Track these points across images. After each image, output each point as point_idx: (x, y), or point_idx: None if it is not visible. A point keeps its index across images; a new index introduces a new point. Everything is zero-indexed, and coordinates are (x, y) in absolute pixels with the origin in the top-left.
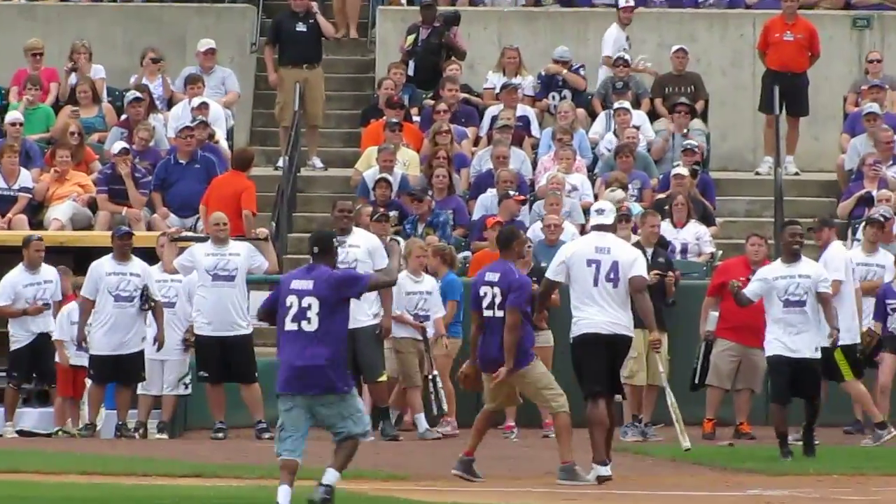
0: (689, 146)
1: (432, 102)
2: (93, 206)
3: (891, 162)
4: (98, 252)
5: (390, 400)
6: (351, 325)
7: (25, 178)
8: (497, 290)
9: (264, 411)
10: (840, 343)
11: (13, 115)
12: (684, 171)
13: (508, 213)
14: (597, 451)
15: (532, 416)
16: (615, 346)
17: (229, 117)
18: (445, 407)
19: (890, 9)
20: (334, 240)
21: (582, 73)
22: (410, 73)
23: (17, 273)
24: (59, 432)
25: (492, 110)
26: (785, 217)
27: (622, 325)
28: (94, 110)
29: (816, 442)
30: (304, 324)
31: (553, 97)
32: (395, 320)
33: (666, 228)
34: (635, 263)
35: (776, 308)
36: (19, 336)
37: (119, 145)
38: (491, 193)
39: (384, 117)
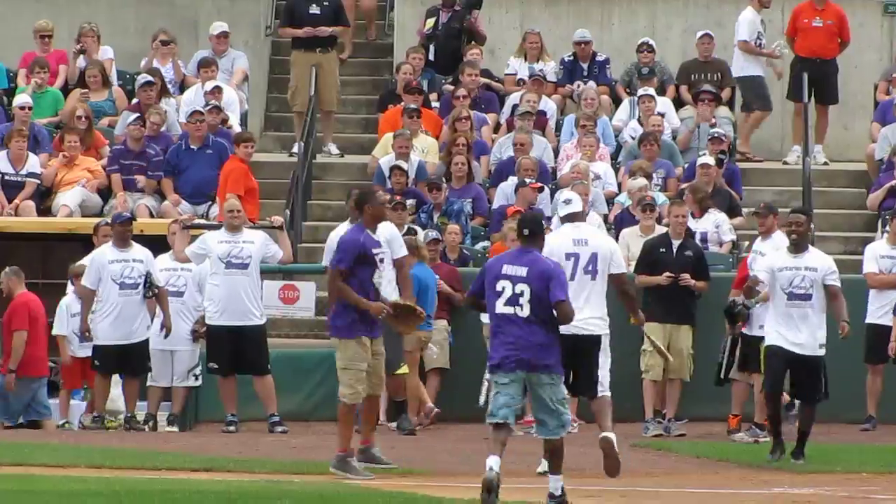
0: (715, 134)
1: (452, 88)
2: (103, 192)
3: None
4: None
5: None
6: None
7: (34, 163)
8: (525, 286)
9: (277, 404)
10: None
11: (22, 99)
12: (710, 160)
13: (525, 202)
14: None
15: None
16: (586, 345)
17: (243, 101)
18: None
19: None
20: (543, 222)
21: (608, 66)
22: (430, 57)
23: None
24: (66, 424)
25: (513, 97)
26: (814, 208)
27: (592, 324)
28: (104, 94)
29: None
30: (517, 309)
31: (577, 85)
32: None
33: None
34: (613, 257)
35: (779, 300)
36: None
37: (133, 115)
38: (512, 182)
39: (402, 103)
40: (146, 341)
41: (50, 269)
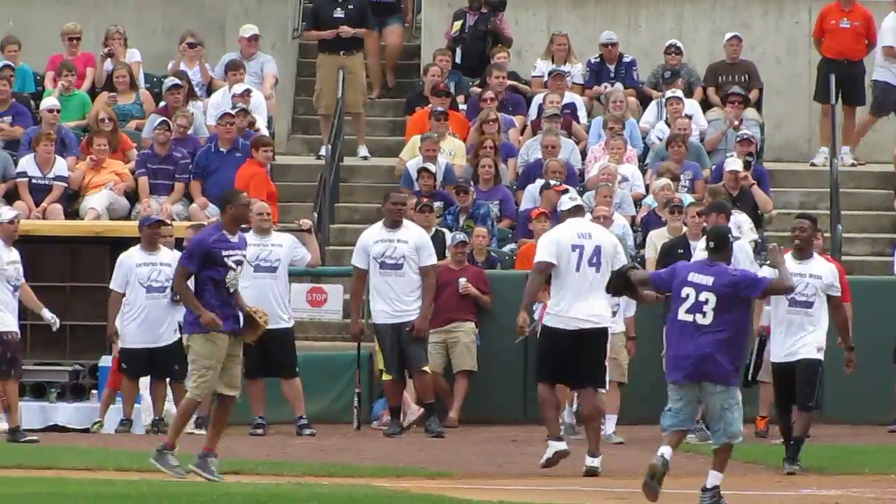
0: (744, 136)
1: (479, 90)
2: (130, 195)
3: None
4: (134, 242)
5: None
6: (399, 319)
7: (61, 166)
8: (710, 295)
9: (305, 406)
10: None
11: (49, 102)
12: (738, 166)
13: (549, 204)
14: (550, 426)
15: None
16: (588, 340)
17: (272, 105)
18: None
19: None
20: (729, 235)
21: (635, 68)
22: (457, 60)
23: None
24: (97, 426)
25: (539, 98)
26: (841, 209)
27: (598, 316)
28: (131, 97)
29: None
30: (698, 316)
31: (604, 86)
32: None
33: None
34: (617, 250)
35: (781, 308)
36: None
37: (158, 119)
38: (539, 184)
39: (429, 105)
40: (174, 344)
41: (77, 271)
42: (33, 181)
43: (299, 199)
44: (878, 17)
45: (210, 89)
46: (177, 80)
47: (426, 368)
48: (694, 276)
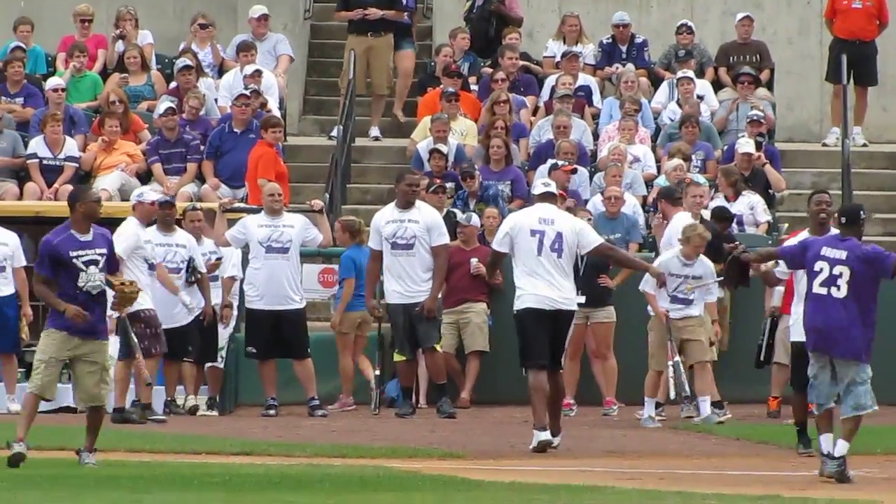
0: (754, 117)
1: (490, 71)
2: (141, 175)
3: None
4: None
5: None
6: (411, 299)
7: (71, 146)
8: (845, 268)
9: (317, 387)
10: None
11: (54, 81)
12: (751, 147)
13: (558, 184)
14: (536, 415)
15: (594, 394)
16: (558, 320)
17: (283, 86)
18: (687, 389)
19: None
20: (860, 211)
21: (646, 48)
22: None
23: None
24: None
25: (551, 79)
26: (853, 190)
27: (566, 298)
28: (142, 78)
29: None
30: (833, 290)
31: (616, 67)
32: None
33: (720, 202)
34: (582, 232)
35: (803, 284)
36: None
37: (164, 105)
38: (551, 164)
39: (441, 86)
40: (188, 325)
41: None
42: (44, 162)
43: (311, 180)
44: None
45: (221, 70)
46: (188, 62)
47: (437, 347)
48: (826, 251)
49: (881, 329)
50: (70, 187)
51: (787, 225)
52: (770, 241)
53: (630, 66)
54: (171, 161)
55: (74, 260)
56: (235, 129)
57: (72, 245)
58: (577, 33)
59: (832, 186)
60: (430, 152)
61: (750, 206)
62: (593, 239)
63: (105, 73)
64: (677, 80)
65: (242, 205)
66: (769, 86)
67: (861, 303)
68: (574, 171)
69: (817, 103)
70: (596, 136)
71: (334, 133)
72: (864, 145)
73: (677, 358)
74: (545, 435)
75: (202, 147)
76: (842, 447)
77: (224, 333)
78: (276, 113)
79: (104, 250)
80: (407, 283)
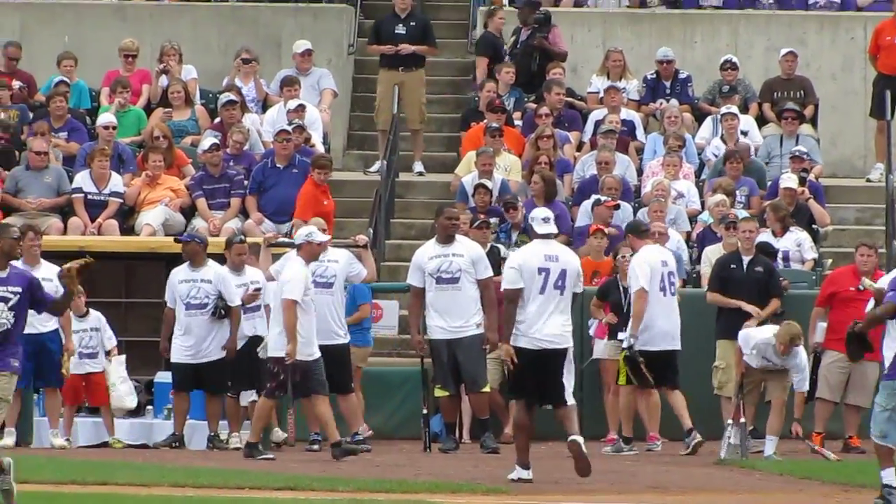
0: (797, 153)
1: (534, 106)
2: (185, 210)
3: None
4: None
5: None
6: (454, 335)
7: (116, 182)
8: None
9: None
10: (639, 348)
11: (106, 118)
12: (794, 183)
13: (601, 219)
14: (519, 453)
15: (637, 429)
16: (553, 359)
17: (327, 121)
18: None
19: None
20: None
21: (690, 83)
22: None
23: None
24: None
25: (595, 115)
26: None
27: (561, 336)
28: (186, 113)
29: None
30: None
31: (660, 102)
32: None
33: (767, 237)
34: (579, 275)
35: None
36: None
37: (209, 141)
38: (594, 200)
39: (484, 121)
40: (222, 360)
41: (132, 287)
42: (88, 197)
43: (355, 215)
44: None
45: (265, 105)
46: (232, 96)
47: (485, 390)
48: None
49: None
50: (114, 222)
51: (830, 261)
52: (815, 277)
53: (674, 101)
54: (215, 196)
55: None
56: (278, 165)
57: None
58: (621, 69)
59: (875, 222)
60: (475, 187)
61: (797, 242)
62: (579, 287)
63: (149, 108)
64: (721, 116)
65: (286, 240)
66: (813, 121)
67: None
68: (617, 207)
69: (861, 139)
70: (640, 171)
71: (374, 168)
72: None
73: (743, 419)
74: (526, 473)
75: (246, 182)
76: (889, 477)
77: None
78: (321, 148)
79: (18, 289)
80: (451, 318)
